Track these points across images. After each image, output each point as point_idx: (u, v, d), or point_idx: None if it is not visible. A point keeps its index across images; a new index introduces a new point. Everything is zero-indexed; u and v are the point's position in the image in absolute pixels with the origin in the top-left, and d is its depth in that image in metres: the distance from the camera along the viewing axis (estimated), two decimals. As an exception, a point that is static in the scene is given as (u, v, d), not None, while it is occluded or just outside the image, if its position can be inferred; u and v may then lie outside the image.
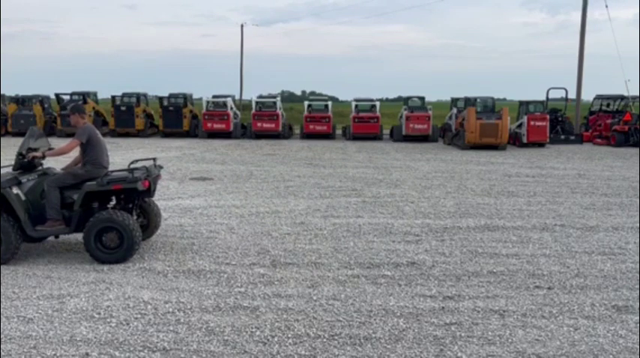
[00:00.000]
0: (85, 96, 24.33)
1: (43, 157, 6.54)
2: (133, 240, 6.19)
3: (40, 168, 6.64)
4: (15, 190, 6.19)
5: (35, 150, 6.59)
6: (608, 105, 24.78)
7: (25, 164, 6.44)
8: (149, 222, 7.06)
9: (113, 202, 6.83)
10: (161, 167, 7.23)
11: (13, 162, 6.59)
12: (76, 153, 6.85)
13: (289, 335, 4.44)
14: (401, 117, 23.35)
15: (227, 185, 11.70)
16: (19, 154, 6.40)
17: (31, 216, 6.27)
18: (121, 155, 17.22)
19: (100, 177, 6.34)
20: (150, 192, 6.71)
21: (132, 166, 6.78)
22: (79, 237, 7.42)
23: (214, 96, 24.64)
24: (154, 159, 7.21)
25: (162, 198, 10.10)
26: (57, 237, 6.78)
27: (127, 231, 6.16)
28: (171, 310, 4.92)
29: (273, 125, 23.25)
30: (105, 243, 6.21)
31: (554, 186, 11.67)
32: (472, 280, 5.76)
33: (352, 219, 8.43)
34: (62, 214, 6.33)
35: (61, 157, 7.99)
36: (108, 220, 6.18)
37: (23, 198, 6.25)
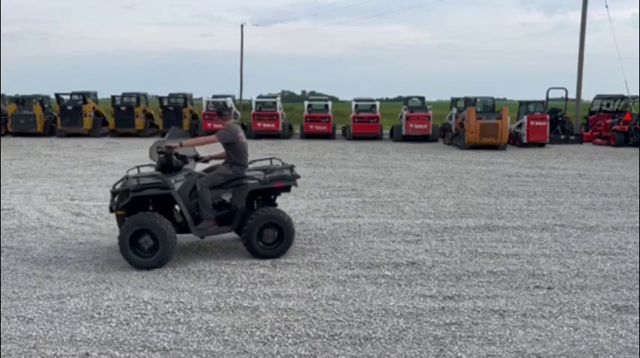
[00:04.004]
0: (85, 96, 24.31)
1: (180, 146, 6.35)
2: (291, 235, 6.48)
3: (184, 168, 6.48)
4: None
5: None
6: (608, 105, 24.76)
7: (167, 164, 6.31)
8: None
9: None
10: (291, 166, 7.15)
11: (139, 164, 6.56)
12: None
13: (289, 335, 4.44)
14: (401, 117, 23.34)
15: (227, 185, 11.69)
16: (159, 152, 6.29)
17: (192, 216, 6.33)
18: (122, 155, 17.23)
19: (263, 176, 6.50)
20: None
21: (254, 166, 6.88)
22: (79, 237, 7.41)
23: (214, 96, 24.63)
24: (271, 160, 7.22)
25: (163, 198, 10.10)
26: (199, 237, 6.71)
27: (287, 227, 6.42)
28: (171, 310, 4.92)
29: (273, 125, 23.24)
30: (264, 239, 6.39)
31: (554, 186, 11.67)
32: (472, 280, 5.76)
33: (352, 219, 8.43)
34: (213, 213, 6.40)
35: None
36: (271, 217, 6.39)
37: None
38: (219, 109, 6.91)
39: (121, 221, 6.25)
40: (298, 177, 6.77)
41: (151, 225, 5.94)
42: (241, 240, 6.45)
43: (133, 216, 6.03)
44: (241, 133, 6.60)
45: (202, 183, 6.31)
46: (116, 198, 6.23)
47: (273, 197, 6.91)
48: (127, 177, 6.28)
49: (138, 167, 6.55)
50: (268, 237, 6.41)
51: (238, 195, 6.43)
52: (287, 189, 6.82)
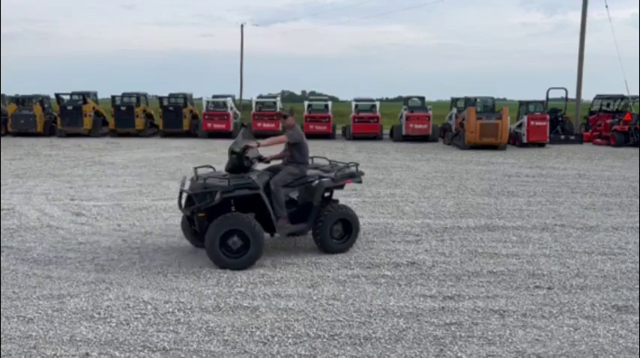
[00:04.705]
0: (85, 96, 24.31)
1: (259, 146, 6.39)
2: (358, 229, 6.78)
3: (253, 168, 6.53)
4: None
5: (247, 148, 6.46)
6: (608, 105, 24.76)
7: (239, 164, 6.31)
8: None
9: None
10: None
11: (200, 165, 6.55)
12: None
13: (289, 335, 4.44)
14: (401, 117, 23.33)
15: (227, 185, 11.68)
16: (233, 153, 6.29)
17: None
18: (122, 155, 17.23)
19: (335, 174, 6.71)
20: None
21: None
22: (79, 237, 7.41)
23: (214, 96, 24.62)
24: (329, 160, 7.36)
25: (162, 198, 10.11)
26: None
27: (355, 222, 6.71)
28: (171, 310, 4.92)
29: (273, 125, 23.24)
30: (332, 234, 6.56)
31: (554, 186, 11.67)
32: (472, 280, 5.76)
33: (352, 219, 8.42)
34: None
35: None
36: (342, 213, 6.62)
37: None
38: (290, 110, 7.02)
39: (200, 222, 6.13)
40: (363, 174, 7.11)
41: (244, 226, 5.93)
42: (314, 236, 6.58)
43: (222, 216, 5.96)
44: (303, 134, 6.82)
45: (277, 182, 6.37)
46: (195, 199, 6.06)
47: (329, 194, 7.04)
48: (196, 179, 6.24)
49: (196, 168, 6.54)
50: (337, 232, 6.61)
51: (312, 193, 6.54)
52: (340, 186, 6.97)
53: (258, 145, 6.34)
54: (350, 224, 6.69)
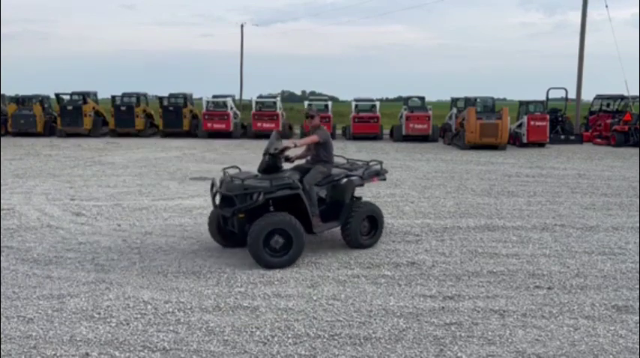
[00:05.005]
0: (85, 96, 24.30)
1: (295, 146, 6.53)
2: (382, 225, 7.05)
3: (283, 168, 6.62)
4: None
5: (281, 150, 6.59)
6: (608, 105, 24.75)
7: (273, 165, 6.44)
8: None
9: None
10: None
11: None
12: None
13: (289, 335, 4.44)
14: (401, 117, 23.33)
15: (227, 185, 11.69)
16: (269, 154, 6.39)
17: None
18: (122, 155, 17.23)
19: (362, 172, 6.99)
20: None
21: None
22: (79, 237, 7.42)
23: (214, 96, 24.61)
24: (347, 159, 7.57)
25: (162, 198, 10.11)
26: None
27: (380, 218, 6.99)
28: (171, 310, 4.92)
29: (273, 125, 23.23)
30: (361, 230, 6.80)
31: (554, 186, 11.67)
32: (472, 280, 5.76)
33: (352, 219, 8.41)
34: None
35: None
36: (370, 210, 6.85)
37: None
38: (317, 110, 7.18)
39: (240, 223, 6.20)
40: (387, 172, 7.38)
41: (287, 225, 6.02)
42: (343, 233, 6.74)
43: (265, 216, 6.03)
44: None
45: (309, 181, 6.46)
46: (237, 201, 6.08)
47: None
48: (231, 180, 6.30)
49: (224, 169, 6.70)
50: (365, 228, 6.85)
51: (343, 191, 6.73)
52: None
53: (295, 145, 6.48)
54: (376, 220, 6.94)
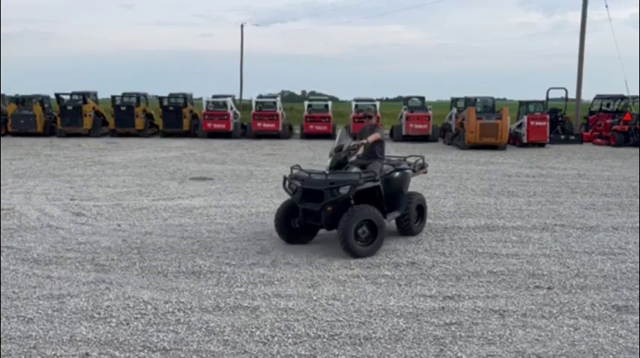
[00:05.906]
0: (85, 96, 24.30)
1: (367, 143, 7.01)
2: (426, 214, 7.75)
3: (348, 164, 6.98)
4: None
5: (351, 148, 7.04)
6: (608, 105, 24.75)
7: (343, 162, 6.84)
8: None
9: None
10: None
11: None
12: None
13: (289, 335, 4.44)
14: (401, 117, 23.32)
15: (227, 185, 11.70)
16: (340, 151, 6.81)
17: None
18: (122, 155, 17.24)
19: (411, 166, 7.62)
20: None
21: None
22: (79, 237, 7.42)
23: (214, 96, 24.61)
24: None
25: (162, 198, 10.11)
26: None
27: (426, 208, 7.71)
28: (171, 310, 4.92)
29: (273, 125, 23.23)
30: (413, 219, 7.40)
31: (554, 186, 11.67)
32: (472, 280, 5.76)
33: (352, 219, 8.42)
34: None
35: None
36: (419, 199, 7.52)
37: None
38: (368, 111, 7.70)
39: (327, 216, 6.54)
40: (427, 165, 8.08)
41: (373, 216, 6.44)
42: (399, 222, 7.24)
43: (352, 208, 6.38)
44: None
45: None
46: (328, 194, 6.41)
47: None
48: (309, 176, 6.60)
49: (292, 168, 6.98)
50: (415, 217, 7.40)
51: (401, 183, 7.31)
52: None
53: (367, 142, 6.96)
54: (423, 209, 7.61)
